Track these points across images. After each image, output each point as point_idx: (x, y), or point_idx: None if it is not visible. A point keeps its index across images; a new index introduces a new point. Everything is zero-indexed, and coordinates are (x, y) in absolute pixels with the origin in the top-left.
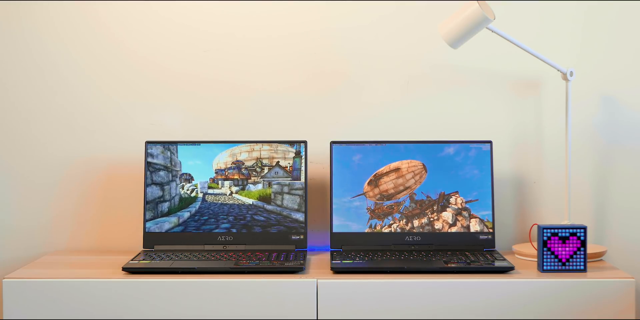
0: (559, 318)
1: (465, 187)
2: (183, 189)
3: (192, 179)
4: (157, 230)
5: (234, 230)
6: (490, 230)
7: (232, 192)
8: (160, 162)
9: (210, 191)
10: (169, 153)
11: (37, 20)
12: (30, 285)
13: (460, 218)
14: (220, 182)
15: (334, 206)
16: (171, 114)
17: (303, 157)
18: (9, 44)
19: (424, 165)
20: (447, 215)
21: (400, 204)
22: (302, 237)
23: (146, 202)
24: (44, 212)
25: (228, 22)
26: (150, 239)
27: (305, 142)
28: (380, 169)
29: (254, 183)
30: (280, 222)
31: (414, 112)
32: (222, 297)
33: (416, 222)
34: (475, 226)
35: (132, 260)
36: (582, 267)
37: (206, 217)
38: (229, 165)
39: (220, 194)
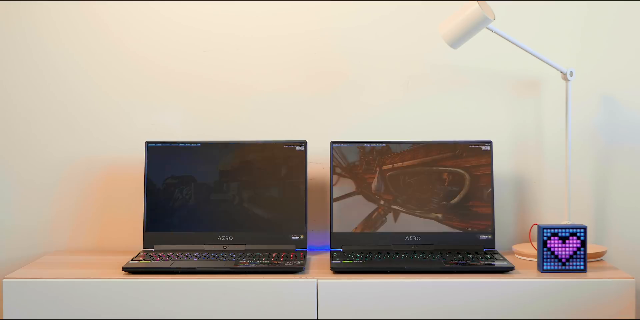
0: (559, 318)
1: (465, 187)
2: (182, 191)
3: (193, 180)
4: (157, 230)
5: (234, 230)
6: (490, 230)
7: (238, 197)
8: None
9: (213, 197)
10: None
11: (37, 20)
12: (30, 285)
13: (460, 218)
14: (224, 184)
15: (334, 206)
16: (171, 114)
17: (303, 157)
18: (9, 44)
19: (424, 165)
20: (447, 215)
21: (401, 204)
22: (302, 237)
23: (146, 203)
24: (44, 212)
25: (228, 22)
26: (150, 239)
27: (305, 142)
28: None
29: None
30: (281, 221)
31: (414, 112)
32: (222, 297)
33: (416, 222)
34: (475, 226)
35: (132, 260)
36: (582, 267)
37: (205, 222)
38: (235, 166)
39: (225, 198)
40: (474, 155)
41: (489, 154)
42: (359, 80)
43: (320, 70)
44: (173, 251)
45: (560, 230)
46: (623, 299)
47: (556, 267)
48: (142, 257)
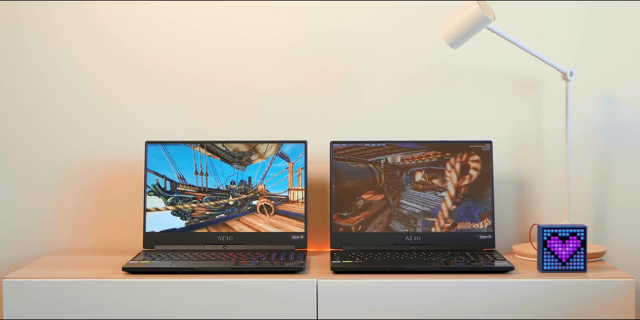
0: (559, 318)
1: (465, 187)
2: (180, 192)
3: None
4: (157, 230)
5: (234, 230)
6: (490, 230)
7: (235, 198)
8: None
9: (211, 197)
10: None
11: (37, 20)
12: (30, 285)
13: (460, 218)
14: (225, 185)
15: (334, 206)
16: (171, 114)
17: (303, 157)
18: (9, 44)
19: (424, 165)
20: (447, 214)
21: (401, 204)
22: (302, 237)
23: (146, 203)
24: (44, 212)
25: (228, 22)
26: (150, 239)
27: (305, 142)
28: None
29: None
30: (280, 222)
31: (414, 112)
32: (222, 297)
33: (416, 222)
34: (475, 226)
35: (132, 260)
36: (582, 267)
37: (206, 223)
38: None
39: (223, 196)
40: (474, 155)
41: (489, 154)
42: (359, 80)
43: (321, 70)
44: (173, 251)
45: (560, 230)
46: (623, 299)
47: (556, 267)
48: (142, 257)
